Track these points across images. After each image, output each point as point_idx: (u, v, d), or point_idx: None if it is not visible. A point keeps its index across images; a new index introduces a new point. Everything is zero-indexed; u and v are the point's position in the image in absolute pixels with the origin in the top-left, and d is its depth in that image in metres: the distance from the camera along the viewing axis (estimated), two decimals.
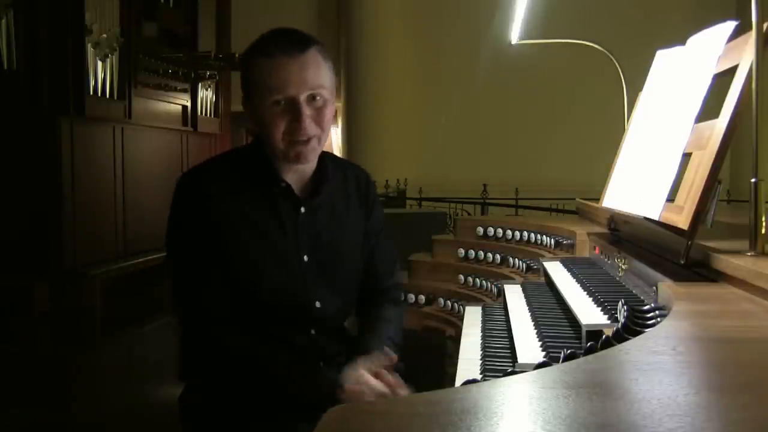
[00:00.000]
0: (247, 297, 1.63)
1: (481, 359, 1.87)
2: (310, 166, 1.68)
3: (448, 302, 3.50)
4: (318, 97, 1.58)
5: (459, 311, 3.25)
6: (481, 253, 3.49)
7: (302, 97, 1.56)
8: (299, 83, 1.55)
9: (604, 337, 1.33)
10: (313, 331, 1.70)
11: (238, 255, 1.61)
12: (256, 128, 1.65)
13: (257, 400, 1.61)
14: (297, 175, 1.68)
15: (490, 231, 3.50)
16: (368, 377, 1.54)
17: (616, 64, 3.72)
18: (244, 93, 1.64)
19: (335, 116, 1.65)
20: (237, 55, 8.39)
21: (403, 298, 1.86)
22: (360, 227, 1.79)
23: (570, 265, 2.30)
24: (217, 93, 8.91)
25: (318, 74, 1.57)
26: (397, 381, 1.57)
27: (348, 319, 1.82)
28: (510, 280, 2.85)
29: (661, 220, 1.66)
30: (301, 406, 1.57)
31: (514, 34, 4.37)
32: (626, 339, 1.27)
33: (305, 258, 1.68)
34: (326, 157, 1.73)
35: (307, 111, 1.56)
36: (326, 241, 1.71)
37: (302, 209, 1.68)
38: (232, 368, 1.61)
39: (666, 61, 2.18)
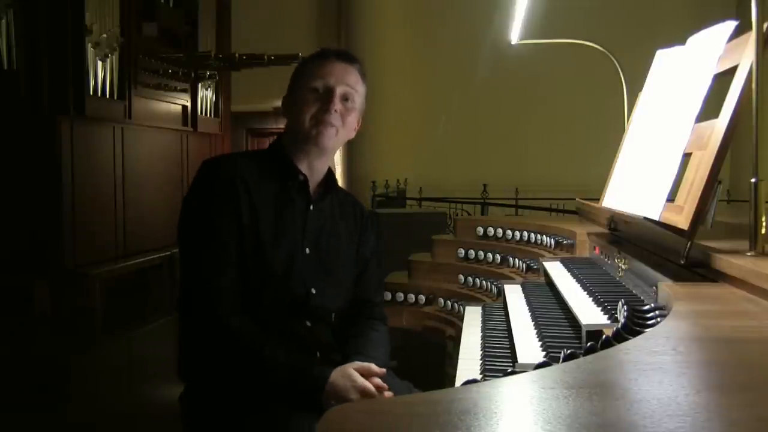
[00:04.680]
0: (250, 278, 1.68)
1: (481, 359, 1.87)
2: (321, 167, 1.83)
3: (448, 302, 3.50)
4: (350, 100, 1.79)
5: (459, 311, 3.25)
6: (481, 253, 3.49)
7: (338, 90, 1.76)
8: (339, 78, 1.77)
9: (604, 337, 1.33)
10: (308, 323, 1.74)
11: (254, 234, 1.69)
12: (287, 117, 1.83)
13: (256, 398, 1.62)
14: (310, 174, 1.81)
15: (490, 231, 3.50)
16: (355, 374, 1.60)
17: (616, 64, 3.71)
18: (289, 88, 1.84)
19: (354, 130, 1.88)
20: (237, 55, 8.39)
21: (386, 320, 1.96)
22: (353, 245, 1.91)
23: (570, 265, 2.30)
24: (217, 93, 8.89)
25: (357, 82, 1.81)
26: (383, 385, 1.63)
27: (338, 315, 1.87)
28: (510, 280, 2.85)
29: (661, 220, 1.66)
30: (297, 403, 1.59)
31: (514, 34, 4.37)
32: (626, 339, 1.27)
33: (307, 250, 1.78)
34: (333, 173, 1.91)
35: (337, 103, 1.76)
36: (326, 239, 1.83)
37: (311, 207, 1.81)
38: (235, 355, 1.64)
39: (666, 61, 2.18)
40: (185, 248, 1.73)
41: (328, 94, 1.76)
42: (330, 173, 1.88)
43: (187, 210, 1.74)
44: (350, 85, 1.78)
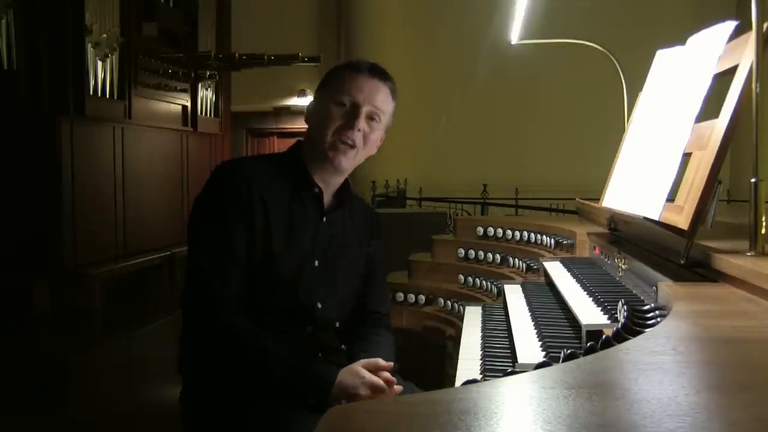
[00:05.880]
0: (257, 285, 1.67)
1: (481, 359, 1.87)
2: (337, 179, 1.80)
3: (448, 302, 3.50)
4: (375, 119, 1.74)
5: (459, 311, 3.25)
6: (481, 253, 3.49)
7: (364, 109, 1.71)
8: (368, 97, 1.73)
9: (604, 337, 1.33)
10: (310, 329, 1.74)
11: (265, 243, 1.67)
12: (309, 125, 1.78)
13: (256, 397, 1.62)
14: (326, 185, 1.78)
15: (490, 231, 3.50)
16: (363, 371, 1.59)
17: (616, 64, 3.71)
18: (316, 94, 1.79)
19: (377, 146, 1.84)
20: (237, 55, 8.39)
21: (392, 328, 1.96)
22: (362, 251, 1.90)
23: (570, 265, 2.30)
24: (217, 93, 8.89)
25: (385, 102, 1.77)
26: (392, 378, 1.61)
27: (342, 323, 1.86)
28: (510, 280, 2.85)
29: (661, 220, 1.66)
30: (303, 404, 1.59)
31: (514, 34, 4.37)
32: (626, 339, 1.27)
33: (316, 263, 1.76)
34: (349, 183, 1.87)
35: (362, 122, 1.71)
36: (334, 250, 1.80)
37: (324, 218, 1.78)
38: (239, 356, 1.63)
39: (666, 61, 2.18)
40: (194, 248, 1.70)
41: (353, 112, 1.71)
42: (345, 183, 1.85)
43: (199, 210, 1.72)
44: (378, 105, 1.73)
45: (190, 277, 1.69)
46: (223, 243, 1.65)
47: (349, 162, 1.73)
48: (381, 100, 1.75)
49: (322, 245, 1.77)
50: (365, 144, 1.74)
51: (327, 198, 1.80)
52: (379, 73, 1.78)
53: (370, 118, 1.73)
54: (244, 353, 1.63)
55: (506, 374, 1.41)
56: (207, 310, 1.64)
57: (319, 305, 1.75)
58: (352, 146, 1.71)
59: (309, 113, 1.79)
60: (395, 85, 1.81)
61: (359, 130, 1.70)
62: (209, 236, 1.68)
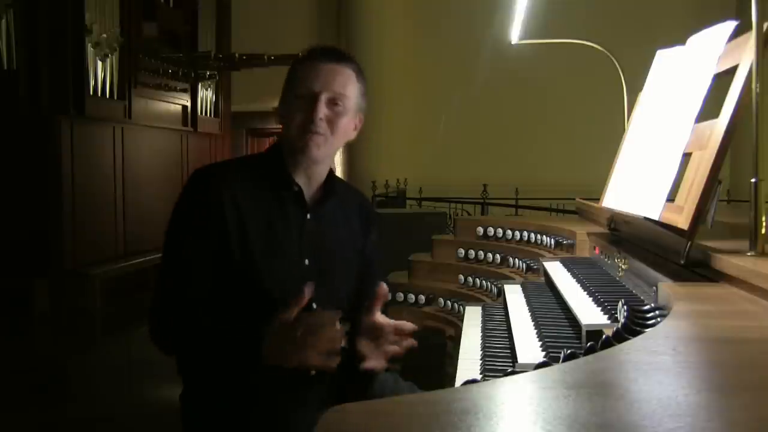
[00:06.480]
0: (247, 291, 1.64)
1: (481, 359, 1.87)
2: (319, 172, 1.74)
3: (448, 302, 3.50)
4: (339, 104, 1.67)
5: (459, 311, 3.25)
6: (481, 253, 3.49)
7: (323, 96, 1.66)
8: (324, 83, 1.66)
9: (604, 337, 1.33)
10: None
11: (243, 248, 1.63)
12: (280, 124, 1.74)
13: (256, 397, 1.62)
14: (308, 180, 1.74)
15: (490, 231, 3.50)
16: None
17: (616, 64, 3.72)
18: (282, 92, 1.74)
19: (355, 130, 1.78)
20: (237, 55, 8.39)
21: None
22: (356, 245, 1.85)
23: (570, 265, 2.29)
24: (217, 93, 8.90)
25: (345, 85, 1.69)
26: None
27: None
28: (510, 280, 2.85)
29: (661, 220, 1.66)
30: (301, 402, 1.58)
31: (514, 35, 4.37)
32: (626, 339, 1.27)
33: (306, 262, 1.72)
34: (334, 175, 1.82)
35: (323, 109, 1.66)
36: (326, 248, 1.76)
37: (308, 215, 1.73)
38: (192, 335, 1.60)
39: (666, 61, 2.18)
40: (162, 257, 1.68)
41: (312, 101, 1.65)
42: (330, 176, 1.79)
43: (171, 220, 1.70)
44: (336, 89, 1.67)
45: (156, 285, 1.66)
46: (182, 260, 1.62)
47: (321, 150, 1.68)
48: (340, 84, 1.68)
49: (311, 243, 1.73)
50: (334, 131, 1.68)
51: (311, 193, 1.76)
52: (335, 56, 1.70)
53: (333, 103, 1.67)
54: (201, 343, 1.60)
55: (506, 374, 1.42)
56: (168, 323, 1.62)
57: (315, 305, 1.69)
58: (319, 134, 1.66)
59: (278, 114, 1.75)
60: (359, 66, 1.74)
61: (321, 118, 1.65)
62: (172, 249, 1.65)
